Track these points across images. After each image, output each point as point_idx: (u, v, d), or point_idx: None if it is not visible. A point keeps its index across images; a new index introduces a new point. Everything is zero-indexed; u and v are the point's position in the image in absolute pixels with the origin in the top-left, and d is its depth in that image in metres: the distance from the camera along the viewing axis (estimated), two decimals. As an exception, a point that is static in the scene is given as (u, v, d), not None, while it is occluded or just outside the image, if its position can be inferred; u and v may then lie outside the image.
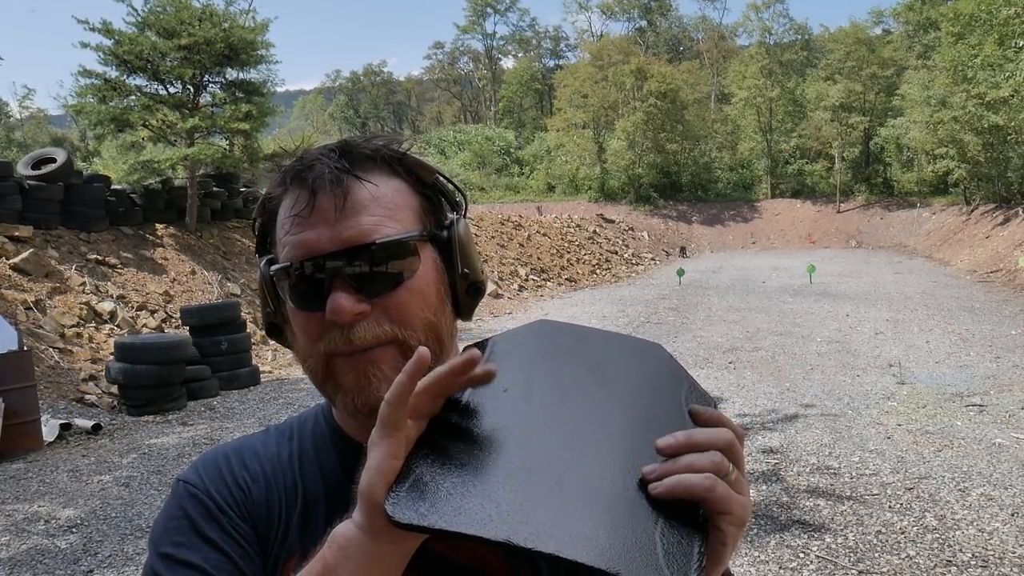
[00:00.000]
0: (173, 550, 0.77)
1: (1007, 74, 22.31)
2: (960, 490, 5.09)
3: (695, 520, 0.60)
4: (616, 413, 0.66)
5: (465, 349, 0.67)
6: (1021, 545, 4.22)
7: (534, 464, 0.60)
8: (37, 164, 12.67)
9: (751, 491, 5.14)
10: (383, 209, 0.78)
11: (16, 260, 10.71)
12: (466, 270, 0.83)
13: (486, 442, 0.61)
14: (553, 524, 0.56)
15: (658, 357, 0.73)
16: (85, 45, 14.54)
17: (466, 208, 0.88)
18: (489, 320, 15.00)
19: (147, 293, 12.21)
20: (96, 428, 7.61)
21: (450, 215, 0.85)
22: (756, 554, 4.26)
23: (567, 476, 0.59)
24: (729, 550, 0.62)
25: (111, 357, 8.95)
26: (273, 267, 0.80)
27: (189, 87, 15.58)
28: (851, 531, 4.52)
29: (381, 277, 0.77)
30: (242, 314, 10.53)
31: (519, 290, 19.88)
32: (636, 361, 0.72)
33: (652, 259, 31.04)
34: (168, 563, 0.76)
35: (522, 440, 0.61)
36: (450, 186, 0.87)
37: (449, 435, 0.61)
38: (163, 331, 11.16)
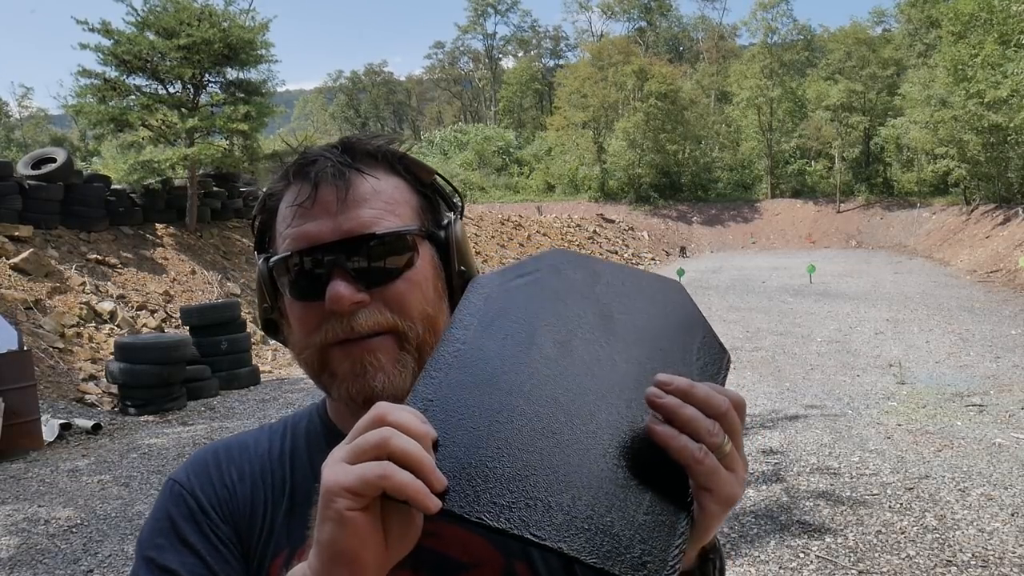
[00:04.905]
0: (155, 554, 0.79)
1: (1007, 73, 22.29)
2: (960, 490, 5.09)
3: (683, 494, 0.57)
4: (616, 371, 0.63)
5: (471, 281, 0.68)
6: (1021, 545, 4.22)
7: (524, 436, 0.57)
8: (37, 164, 12.68)
9: (750, 490, 5.06)
10: (383, 203, 0.79)
11: (16, 260, 10.71)
12: (462, 267, 0.84)
13: (481, 405, 0.59)
14: (542, 514, 0.54)
15: (673, 300, 0.69)
16: (84, 46, 14.54)
17: (463, 209, 0.88)
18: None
19: (147, 293, 12.20)
20: (96, 428, 7.61)
21: (447, 215, 0.86)
22: (756, 554, 4.26)
23: (556, 453, 0.57)
24: (710, 529, 0.60)
25: (111, 357, 8.95)
26: (273, 258, 0.81)
27: (189, 87, 15.58)
28: (851, 531, 4.52)
29: (380, 269, 0.77)
30: (242, 314, 10.53)
31: (519, 290, 19.86)
32: (648, 305, 0.68)
33: (652, 259, 31.02)
34: (150, 567, 0.78)
35: (515, 408, 0.59)
36: (448, 187, 0.88)
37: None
38: (163, 331, 11.16)
